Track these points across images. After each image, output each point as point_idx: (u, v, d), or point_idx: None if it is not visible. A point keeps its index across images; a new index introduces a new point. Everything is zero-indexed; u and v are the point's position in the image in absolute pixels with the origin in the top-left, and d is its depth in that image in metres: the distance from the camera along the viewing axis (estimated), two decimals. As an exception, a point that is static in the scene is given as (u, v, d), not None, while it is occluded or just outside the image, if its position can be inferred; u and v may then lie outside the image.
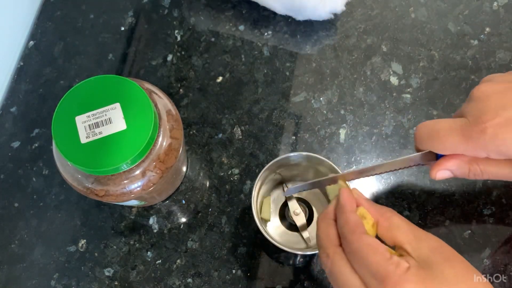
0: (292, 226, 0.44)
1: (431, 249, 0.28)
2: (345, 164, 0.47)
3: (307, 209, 0.45)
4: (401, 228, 0.29)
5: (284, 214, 0.45)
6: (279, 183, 0.46)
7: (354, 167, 0.37)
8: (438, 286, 0.26)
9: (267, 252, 0.45)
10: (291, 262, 0.44)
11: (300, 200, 0.45)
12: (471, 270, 0.28)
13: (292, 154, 0.41)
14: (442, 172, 0.32)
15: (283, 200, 0.45)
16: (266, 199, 0.45)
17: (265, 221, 0.44)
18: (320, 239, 0.30)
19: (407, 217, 0.45)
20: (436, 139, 0.31)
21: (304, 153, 0.40)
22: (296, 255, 0.44)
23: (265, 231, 0.39)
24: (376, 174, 0.35)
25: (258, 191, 0.42)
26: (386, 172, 0.34)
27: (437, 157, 0.33)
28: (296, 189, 0.40)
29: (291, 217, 0.44)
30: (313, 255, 0.44)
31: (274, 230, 0.44)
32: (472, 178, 0.32)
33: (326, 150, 0.48)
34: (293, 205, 0.44)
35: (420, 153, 0.32)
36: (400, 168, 0.34)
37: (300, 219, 0.43)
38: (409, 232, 0.29)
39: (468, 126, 0.29)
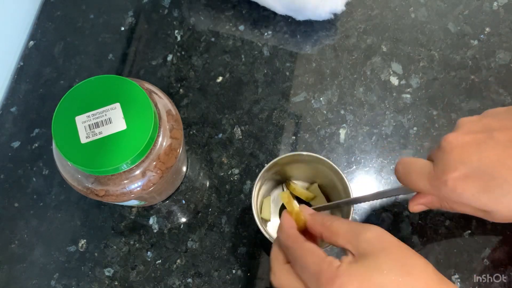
0: None
1: (368, 241, 0.29)
2: (345, 164, 0.47)
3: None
4: (339, 231, 0.31)
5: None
6: (279, 183, 0.46)
7: (354, 194, 0.39)
8: (369, 275, 0.28)
9: (267, 252, 0.45)
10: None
11: (300, 201, 0.45)
12: (410, 256, 0.29)
13: (292, 153, 0.41)
14: (417, 207, 0.37)
15: (282, 203, 0.45)
16: (266, 199, 0.45)
17: (265, 221, 0.44)
18: (271, 263, 0.34)
19: (406, 217, 0.45)
20: (409, 181, 0.35)
21: (304, 153, 0.40)
22: None
23: (266, 231, 0.39)
24: (365, 201, 0.39)
25: (258, 191, 0.42)
26: (375, 199, 0.39)
27: None
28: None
29: None
30: None
31: (274, 230, 0.44)
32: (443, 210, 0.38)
33: (326, 150, 0.48)
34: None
35: (401, 186, 0.37)
36: (387, 197, 0.39)
37: None
38: (347, 232, 0.31)
39: (433, 176, 0.33)
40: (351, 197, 0.39)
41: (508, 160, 0.31)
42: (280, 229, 0.34)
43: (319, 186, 0.45)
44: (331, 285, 0.28)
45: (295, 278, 0.31)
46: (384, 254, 0.29)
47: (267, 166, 0.40)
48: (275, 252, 0.34)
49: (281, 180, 0.46)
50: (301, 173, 0.45)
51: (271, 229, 0.44)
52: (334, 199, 0.43)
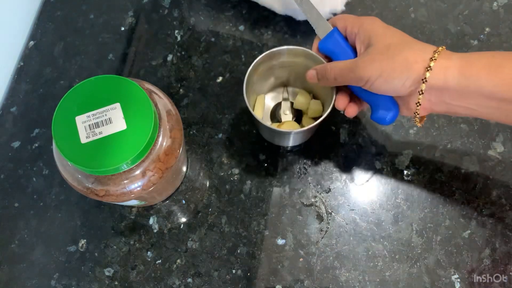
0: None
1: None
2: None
3: (295, 115, 0.48)
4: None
5: (275, 115, 0.48)
6: (279, 86, 0.48)
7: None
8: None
9: (265, 252, 0.45)
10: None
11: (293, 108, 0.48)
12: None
13: (284, 47, 0.42)
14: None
15: (276, 103, 0.49)
16: (260, 97, 0.47)
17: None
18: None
19: (406, 217, 0.45)
20: None
21: (297, 48, 0.42)
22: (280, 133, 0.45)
23: (254, 114, 0.41)
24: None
25: (253, 74, 0.43)
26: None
27: None
28: None
29: (280, 115, 0.47)
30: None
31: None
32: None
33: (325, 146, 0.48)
34: (286, 106, 0.48)
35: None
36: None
37: (287, 118, 0.47)
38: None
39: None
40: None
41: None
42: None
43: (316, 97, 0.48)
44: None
45: None
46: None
47: (261, 56, 0.41)
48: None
49: (282, 83, 0.48)
50: (298, 74, 0.46)
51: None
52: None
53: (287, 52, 0.43)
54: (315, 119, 0.46)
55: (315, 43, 0.42)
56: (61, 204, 0.47)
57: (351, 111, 0.41)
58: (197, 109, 0.50)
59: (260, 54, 0.42)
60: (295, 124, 0.47)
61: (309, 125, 0.41)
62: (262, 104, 0.47)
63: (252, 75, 0.43)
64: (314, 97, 0.48)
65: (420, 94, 0.35)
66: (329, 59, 0.42)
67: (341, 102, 0.40)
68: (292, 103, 0.48)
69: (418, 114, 0.37)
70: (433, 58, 0.34)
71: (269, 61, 0.43)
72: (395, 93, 0.36)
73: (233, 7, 0.54)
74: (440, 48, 0.34)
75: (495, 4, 0.53)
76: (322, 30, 0.41)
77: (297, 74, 0.46)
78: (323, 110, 0.46)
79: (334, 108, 0.41)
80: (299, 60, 0.43)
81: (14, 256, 0.45)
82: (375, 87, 0.36)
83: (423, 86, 0.34)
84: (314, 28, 0.41)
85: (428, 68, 0.34)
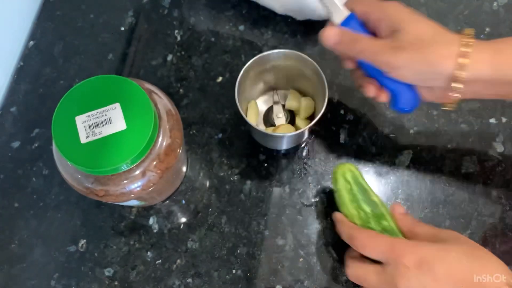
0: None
1: (445, 233, 0.37)
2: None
3: (289, 116, 0.48)
4: (419, 232, 0.38)
5: (268, 119, 0.48)
6: (268, 90, 0.49)
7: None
8: (444, 253, 0.35)
9: (265, 251, 0.44)
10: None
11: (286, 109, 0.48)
12: (479, 248, 0.37)
13: (275, 51, 0.42)
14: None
15: (268, 107, 0.49)
16: (252, 103, 0.47)
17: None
18: (345, 260, 0.40)
19: (407, 217, 0.45)
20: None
21: (288, 51, 0.42)
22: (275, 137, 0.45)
23: (244, 116, 0.42)
24: None
25: (244, 83, 0.43)
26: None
27: None
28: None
29: (273, 119, 0.47)
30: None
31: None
32: None
33: (327, 150, 0.48)
34: (278, 109, 0.48)
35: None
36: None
37: (281, 121, 0.47)
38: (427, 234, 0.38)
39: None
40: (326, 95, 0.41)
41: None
42: (340, 227, 0.39)
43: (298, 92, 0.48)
44: (407, 254, 0.33)
45: (366, 265, 0.36)
46: (457, 242, 0.35)
47: (248, 63, 0.42)
48: (348, 251, 0.40)
49: (271, 87, 0.49)
50: (287, 78, 0.47)
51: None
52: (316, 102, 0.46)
53: (278, 56, 0.43)
54: (310, 118, 0.47)
55: None
56: (60, 204, 0.47)
57: (373, 89, 0.39)
58: (197, 109, 0.50)
59: (260, 54, 0.42)
60: (290, 126, 0.46)
61: (303, 126, 0.41)
62: (255, 110, 0.48)
63: (243, 81, 0.43)
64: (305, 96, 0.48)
65: (452, 90, 0.35)
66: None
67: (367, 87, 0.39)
68: (283, 106, 0.48)
69: (446, 103, 0.37)
70: (465, 54, 0.33)
71: (260, 66, 0.44)
72: (423, 84, 0.36)
73: (233, 7, 0.54)
74: (470, 40, 0.34)
75: (495, 4, 0.53)
76: (337, 16, 0.38)
77: (287, 76, 0.46)
78: (315, 108, 0.46)
79: (328, 107, 0.40)
80: (290, 63, 0.44)
81: (14, 256, 0.45)
82: (401, 75, 0.36)
83: (457, 84, 0.34)
84: (327, 13, 0.39)
85: (461, 65, 0.33)
